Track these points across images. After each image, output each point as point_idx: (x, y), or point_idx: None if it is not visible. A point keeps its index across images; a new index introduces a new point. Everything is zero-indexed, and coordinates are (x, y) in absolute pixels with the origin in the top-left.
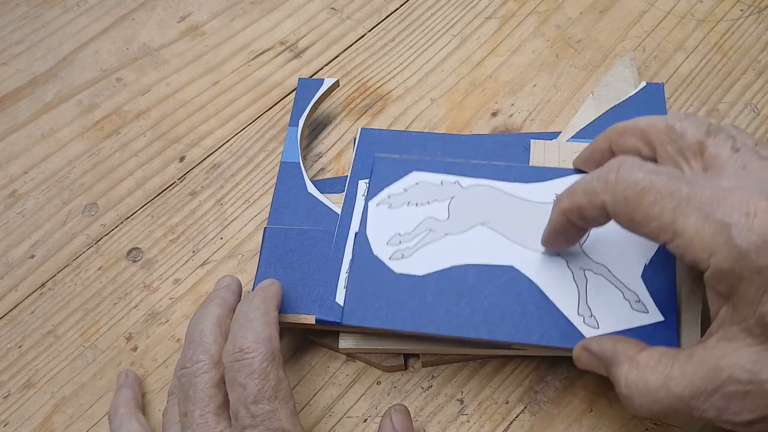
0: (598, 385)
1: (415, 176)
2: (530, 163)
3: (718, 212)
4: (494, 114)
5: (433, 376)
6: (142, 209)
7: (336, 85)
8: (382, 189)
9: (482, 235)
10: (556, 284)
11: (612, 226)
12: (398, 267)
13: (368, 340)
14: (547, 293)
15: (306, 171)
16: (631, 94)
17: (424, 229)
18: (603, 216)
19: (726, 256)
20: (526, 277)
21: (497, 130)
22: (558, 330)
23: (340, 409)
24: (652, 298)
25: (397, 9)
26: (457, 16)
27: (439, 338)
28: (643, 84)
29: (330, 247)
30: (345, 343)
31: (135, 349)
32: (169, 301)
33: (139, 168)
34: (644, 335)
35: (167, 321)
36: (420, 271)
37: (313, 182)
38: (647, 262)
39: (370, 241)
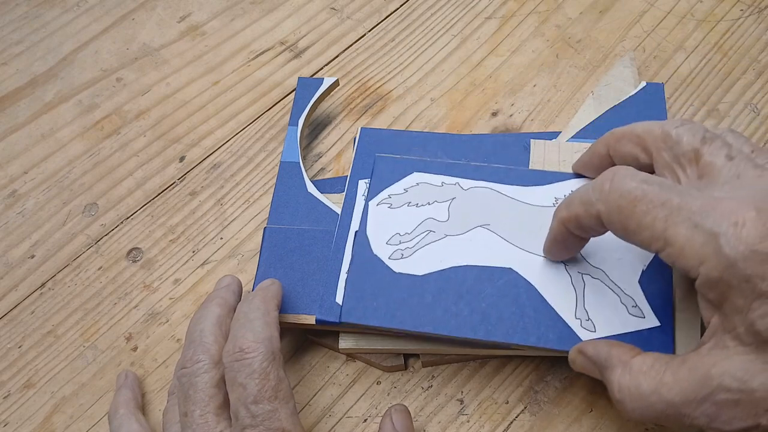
0: (598, 385)
1: (416, 177)
2: (530, 163)
3: (707, 222)
4: (494, 114)
5: (433, 376)
6: (142, 209)
7: (336, 84)
8: (382, 189)
9: (482, 236)
10: (554, 287)
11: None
12: (398, 266)
13: (368, 340)
14: (545, 296)
15: (306, 171)
16: (631, 94)
17: (424, 230)
18: (599, 225)
19: (715, 265)
20: (525, 280)
21: (497, 130)
22: (555, 332)
23: (340, 409)
24: (649, 303)
25: (397, 9)
26: (457, 16)
27: (438, 338)
28: (643, 84)
29: (330, 247)
30: (345, 343)
31: (135, 349)
32: (169, 301)
33: (139, 168)
34: (640, 340)
35: (167, 321)
36: (419, 271)
37: (313, 182)
38: (644, 268)
39: (370, 240)
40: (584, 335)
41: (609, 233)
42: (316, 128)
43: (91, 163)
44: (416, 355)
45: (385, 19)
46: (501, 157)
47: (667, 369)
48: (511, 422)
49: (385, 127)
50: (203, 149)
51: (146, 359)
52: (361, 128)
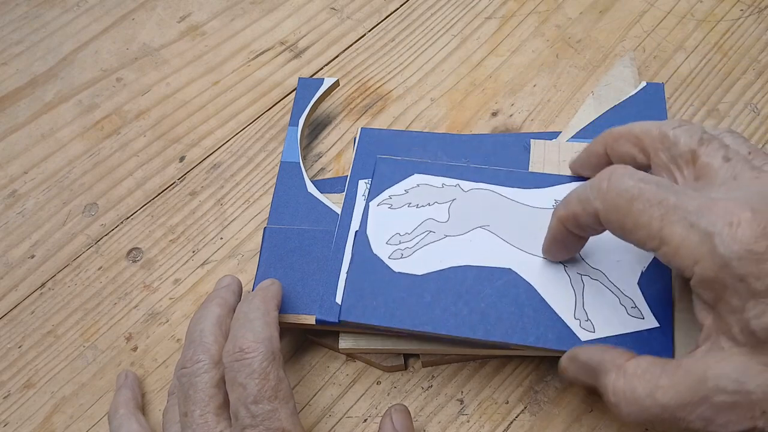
0: None
1: (417, 178)
2: (530, 163)
3: (702, 222)
4: (494, 114)
5: (433, 376)
6: (142, 209)
7: (336, 84)
8: (383, 190)
9: (481, 237)
10: (553, 288)
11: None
12: (397, 266)
13: (368, 340)
14: (545, 296)
15: (306, 171)
16: (631, 94)
17: (424, 230)
18: (597, 223)
19: (710, 265)
20: (524, 280)
21: (497, 130)
22: (554, 333)
23: (340, 409)
24: (648, 304)
25: (397, 9)
26: (457, 16)
27: (437, 338)
28: (643, 84)
29: (330, 247)
30: (345, 343)
31: (135, 349)
32: (169, 301)
33: (139, 168)
34: (639, 341)
35: (167, 321)
36: (419, 270)
37: (313, 182)
38: (644, 269)
39: (370, 240)
40: (583, 335)
41: (608, 235)
42: (316, 128)
43: (91, 163)
44: (416, 355)
45: (385, 19)
46: (501, 157)
47: (663, 372)
48: (511, 422)
49: (385, 127)
50: (203, 149)
51: (146, 359)
52: (361, 128)
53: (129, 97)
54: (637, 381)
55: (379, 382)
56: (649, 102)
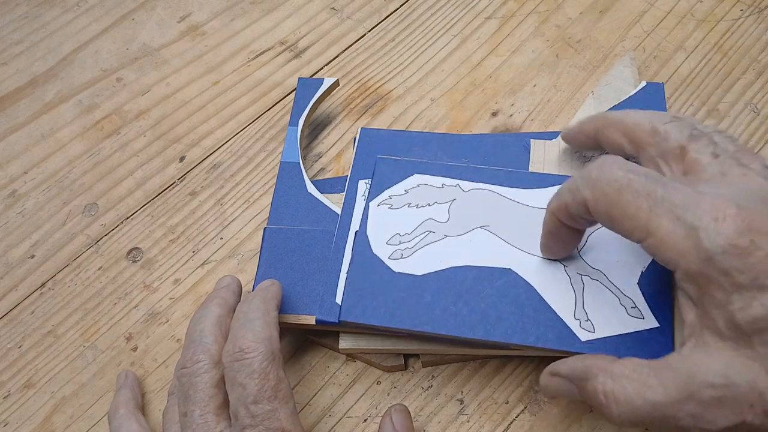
0: None
1: (417, 179)
2: (530, 163)
3: (688, 215)
4: (494, 114)
5: (433, 376)
6: (142, 209)
7: (336, 84)
8: (383, 190)
9: (481, 237)
10: (553, 288)
11: (610, 233)
12: (397, 266)
13: (368, 340)
14: (545, 296)
15: (306, 171)
16: (631, 94)
17: (424, 230)
18: (586, 213)
19: (694, 258)
20: (524, 280)
21: (497, 130)
22: (554, 333)
23: (340, 409)
24: (648, 304)
25: (397, 9)
26: (457, 16)
27: (437, 338)
28: (643, 84)
29: (330, 247)
30: (345, 343)
31: (135, 349)
32: (169, 301)
33: (139, 168)
34: (639, 341)
35: (167, 321)
36: (419, 271)
37: (313, 182)
38: (644, 270)
39: (370, 240)
40: (583, 335)
41: (607, 235)
42: (316, 128)
43: (91, 163)
44: (416, 355)
45: (385, 19)
46: (501, 157)
47: (651, 371)
48: (511, 422)
49: (385, 127)
50: (203, 149)
51: (146, 359)
52: (361, 128)
53: (129, 97)
54: (626, 381)
55: (379, 382)
56: (649, 102)
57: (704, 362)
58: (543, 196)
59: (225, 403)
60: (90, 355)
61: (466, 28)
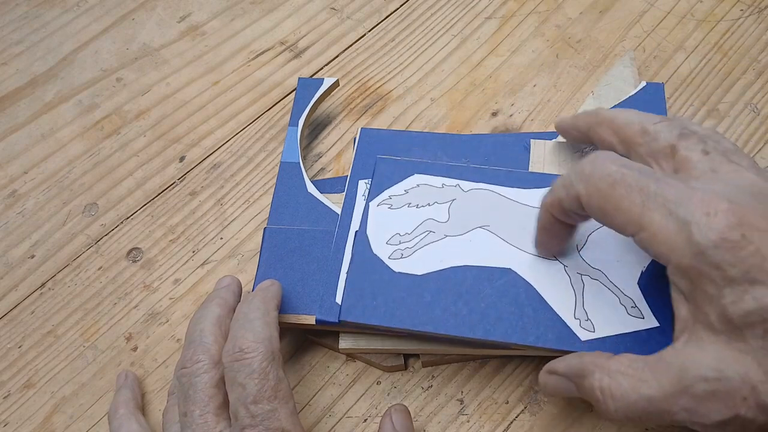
0: None
1: (417, 179)
2: (530, 163)
3: (681, 210)
4: (494, 114)
5: (433, 376)
6: (142, 209)
7: (336, 84)
8: (383, 190)
9: (481, 237)
10: (553, 288)
11: (609, 233)
12: (397, 266)
13: (368, 340)
14: (545, 296)
15: (306, 171)
16: (631, 94)
17: (424, 230)
18: (579, 208)
19: (686, 253)
20: (524, 280)
21: (497, 130)
22: (554, 332)
23: (340, 409)
24: (648, 304)
25: (397, 9)
26: (457, 16)
27: (437, 338)
28: (643, 84)
29: (330, 247)
30: (345, 343)
31: (135, 349)
32: (169, 301)
33: (139, 168)
34: (639, 340)
35: (167, 321)
36: (419, 270)
37: (313, 182)
38: (643, 269)
39: (370, 240)
40: (583, 335)
41: (607, 235)
42: (316, 128)
43: (91, 163)
44: (416, 355)
45: (385, 19)
46: (501, 157)
47: (646, 366)
48: (511, 422)
49: (385, 127)
50: (203, 149)
51: (146, 359)
52: (361, 128)
53: (129, 97)
54: (621, 377)
55: (379, 382)
56: (649, 102)
57: (697, 356)
58: (543, 196)
59: (225, 403)
60: (90, 355)
61: (466, 28)
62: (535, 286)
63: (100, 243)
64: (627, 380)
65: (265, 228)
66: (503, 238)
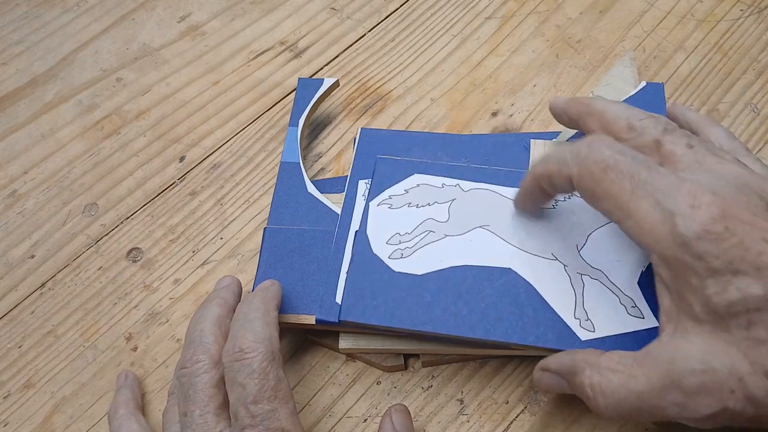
0: None
1: (417, 178)
2: (530, 163)
3: (668, 201)
4: (494, 114)
5: (433, 376)
6: (142, 209)
7: (336, 84)
8: (383, 189)
9: (481, 237)
10: (553, 287)
11: (610, 233)
12: (397, 266)
13: (368, 340)
14: (545, 296)
15: (306, 171)
16: (631, 94)
17: (424, 230)
18: (569, 186)
19: (670, 243)
20: (524, 280)
21: (497, 130)
22: (554, 332)
23: (340, 409)
24: (648, 304)
25: (397, 9)
26: (457, 16)
27: (437, 338)
28: (643, 84)
29: (330, 247)
30: (345, 343)
31: (135, 349)
32: (169, 301)
33: (139, 168)
34: (639, 340)
35: (167, 321)
36: (419, 270)
37: (313, 182)
38: (644, 269)
39: (370, 240)
40: (583, 335)
41: (608, 235)
42: (316, 128)
43: (91, 163)
44: (416, 355)
45: (385, 19)
46: (501, 157)
47: (634, 362)
48: (511, 422)
49: (385, 127)
50: (203, 149)
51: (146, 359)
52: (361, 128)
53: (129, 97)
54: (611, 374)
55: (379, 382)
56: (649, 102)
57: (684, 348)
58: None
59: (225, 403)
60: (90, 355)
61: (466, 28)
62: (535, 286)
63: (100, 243)
64: (617, 377)
65: (265, 228)
66: (503, 237)
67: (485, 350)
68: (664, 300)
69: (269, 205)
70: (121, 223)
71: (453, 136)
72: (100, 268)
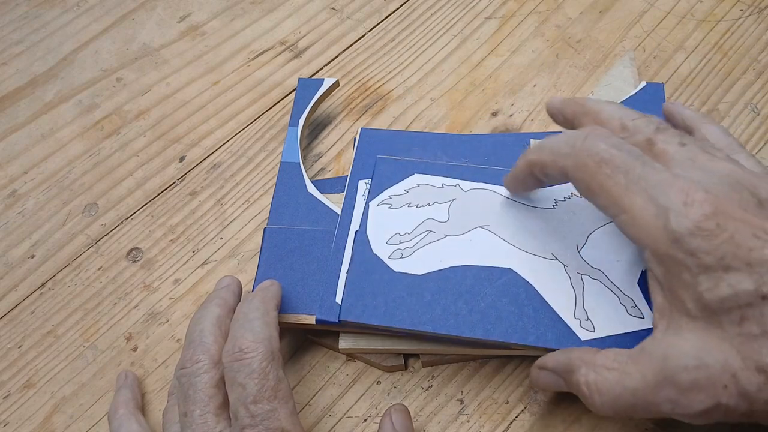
0: None
1: (417, 178)
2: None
3: (661, 197)
4: (494, 114)
5: (433, 376)
6: (142, 209)
7: (336, 85)
8: (383, 189)
9: (481, 237)
10: (553, 287)
11: (610, 233)
12: (397, 266)
13: (368, 340)
14: (545, 296)
15: (306, 171)
16: (631, 94)
17: (424, 230)
18: (562, 177)
19: (663, 240)
20: (524, 280)
21: (497, 130)
22: (554, 332)
23: (340, 409)
24: (648, 304)
25: (397, 9)
26: (457, 16)
27: (437, 338)
28: (643, 84)
29: (330, 247)
30: (345, 343)
31: (135, 349)
32: (169, 301)
33: (139, 168)
34: (639, 340)
35: (167, 321)
36: (419, 270)
37: (313, 182)
38: (644, 269)
39: (370, 240)
40: (583, 335)
41: (608, 234)
42: (316, 128)
43: (91, 163)
44: (416, 355)
45: (385, 19)
46: (501, 157)
47: (629, 359)
48: (511, 422)
49: (385, 127)
50: (203, 149)
51: (146, 359)
52: (361, 129)
53: (129, 97)
54: (606, 372)
55: (379, 382)
56: (649, 102)
57: (677, 344)
58: (543, 195)
59: (225, 403)
60: (90, 355)
61: (466, 28)
62: (535, 286)
63: (100, 243)
64: (612, 374)
65: (265, 228)
66: (503, 237)
67: (485, 350)
68: (657, 297)
69: (269, 205)
70: (121, 223)
71: (453, 136)
72: (100, 268)
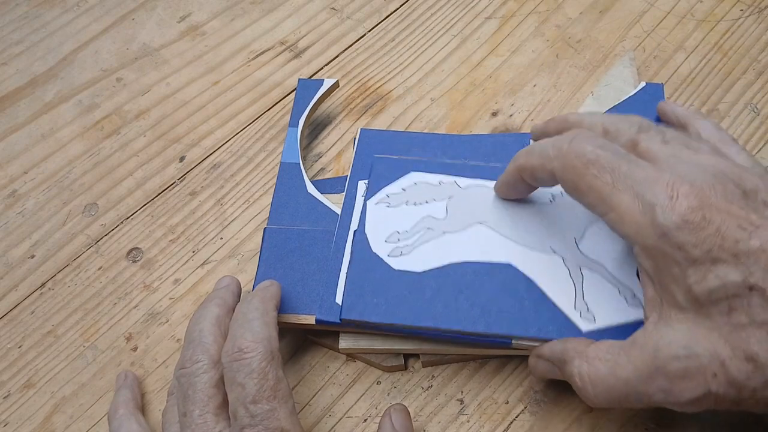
0: None
1: (414, 176)
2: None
3: (647, 193)
4: (494, 114)
5: (433, 376)
6: (142, 209)
7: (336, 85)
8: (380, 188)
9: (480, 233)
10: (552, 281)
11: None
12: (397, 264)
13: (368, 340)
14: (545, 289)
15: (306, 171)
16: (630, 94)
17: (423, 228)
18: (551, 180)
19: (651, 234)
20: (524, 274)
21: (497, 130)
22: (555, 324)
23: (340, 409)
24: None
25: (397, 9)
26: (457, 16)
27: (438, 336)
28: (643, 84)
29: (330, 247)
30: (345, 343)
31: (135, 349)
32: (169, 301)
33: (139, 168)
34: None
35: (167, 321)
36: (418, 268)
37: (313, 182)
38: None
39: (369, 239)
40: (584, 326)
41: (605, 228)
42: (316, 128)
43: (91, 163)
44: (416, 355)
45: (385, 19)
46: (501, 157)
47: (621, 350)
48: (511, 422)
49: (385, 127)
50: (203, 149)
51: (146, 359)
52: (361, 129)
53: (129, 97)
54: (599, 363)
55: (379, 382)
56: (649, 102)
57: (668, 335)
58: (540, 190)
59: (224, 403)
60: (90, 355)
61: (466, 28)
62: (534, 280)
63: (100, 243)
64: (605, 366)
65: (265, 228)
66: (501, 233)
67: (485, 350)
68: (648, 290)
69: (269, 205)
70: (121, 223)
71: (453, 136)
72: (100, 268)
